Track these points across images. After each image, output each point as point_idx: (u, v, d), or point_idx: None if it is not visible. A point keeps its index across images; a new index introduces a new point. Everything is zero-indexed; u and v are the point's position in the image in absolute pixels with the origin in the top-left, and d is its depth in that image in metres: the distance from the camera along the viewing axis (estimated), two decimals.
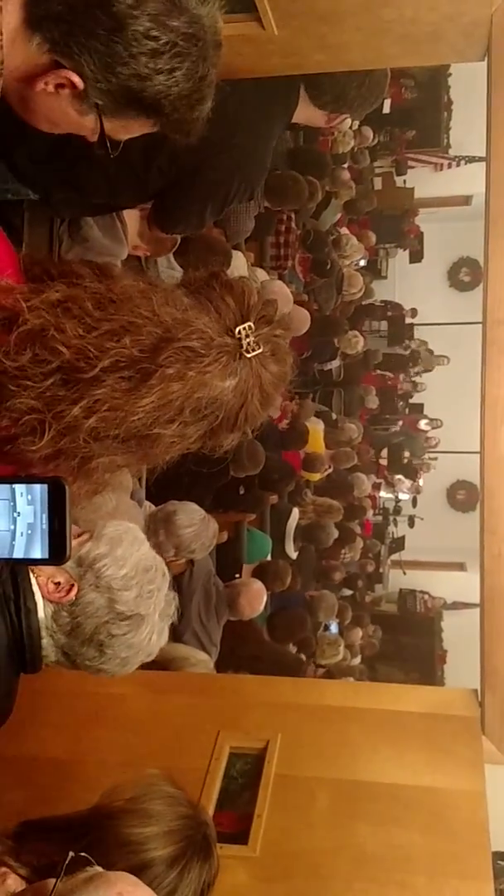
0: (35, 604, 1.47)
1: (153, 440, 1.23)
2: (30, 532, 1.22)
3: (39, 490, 1.22)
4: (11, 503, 1.22)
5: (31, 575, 1.47)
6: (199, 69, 1.21)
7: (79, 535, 1.53)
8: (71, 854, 1.30)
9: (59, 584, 1.48)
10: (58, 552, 1.22)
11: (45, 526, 1.22)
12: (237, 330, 1.22)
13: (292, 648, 5.27)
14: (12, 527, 1.22)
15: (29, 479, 1.22)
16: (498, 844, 2.20)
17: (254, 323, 1.24)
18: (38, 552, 1.22)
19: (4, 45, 1.14)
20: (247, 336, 1.22)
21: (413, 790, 2.19)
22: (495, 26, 2.16)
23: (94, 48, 1.15)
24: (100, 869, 1.12)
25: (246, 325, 1.23)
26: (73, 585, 1.49)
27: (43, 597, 1.48)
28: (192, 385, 1.20)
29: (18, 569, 1.44)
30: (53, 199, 2.39)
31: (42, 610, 1.48)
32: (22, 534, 1.22)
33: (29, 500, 1.22)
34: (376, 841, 2.08)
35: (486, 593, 2.45)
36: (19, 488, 1.21)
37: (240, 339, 1.22)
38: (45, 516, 1.22)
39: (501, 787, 2.30)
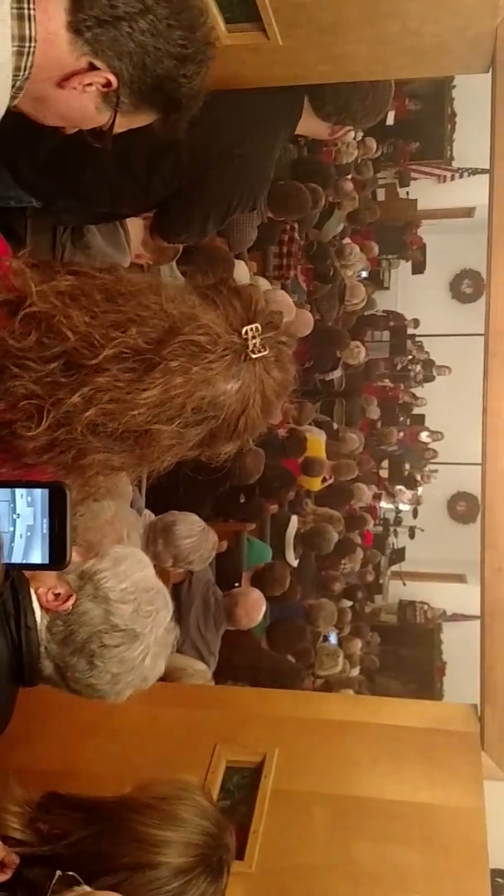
0: (35, 621, 1.46)
1: (151, 438, 1.21)
2: (29, 534, 1.22)
3: (40, 494, 1.21)
4: (11, 505, 1.21)
5: (32, 591, 1.46)
6: (207, 74, 1.35)
7: (85, 553, 1.53)
8: (59, 873, 1.30)
9: (58, 595, 1.47)
10: (58, 557, 1.22)
11: (46, 531, 1.21)
12: (244, 330, 1.22)
13: (291, 659, 5.25)
14: (11, 529, 1.21)
15: (30, 484, 1.22)
16: (496, 862, 2.18)
17: (261, 325, 1.23)
18: (37, 557, 1.22)
19: (38, 48, 1.20)
20: (253, 337, 1.22)
21: (411, 806, 2.17)
22: (500, 38, 2.15)
23: (133, 52, 1.25)
24: (87, 888, 1.12)
25: (253, 325, 1.22)
26: (71, 595, 1.48)
27: (41, 606, 1.47)
28: (196, 381, 1.19)
29: (19, 585, 1.44)
30: (56, 207, 2.39)
31: (40, 622, 1.48)
32: (21, 536, 1.22)
33: (29, 502, 1.21)
34: (374, 858, 2.06)
35: (486, 608, 2.43)
36: (20, 491, 1.21)
37: (246, 339, 1.22)
38: (45, 521, 1.21)
39: (501, 804, 2.28)
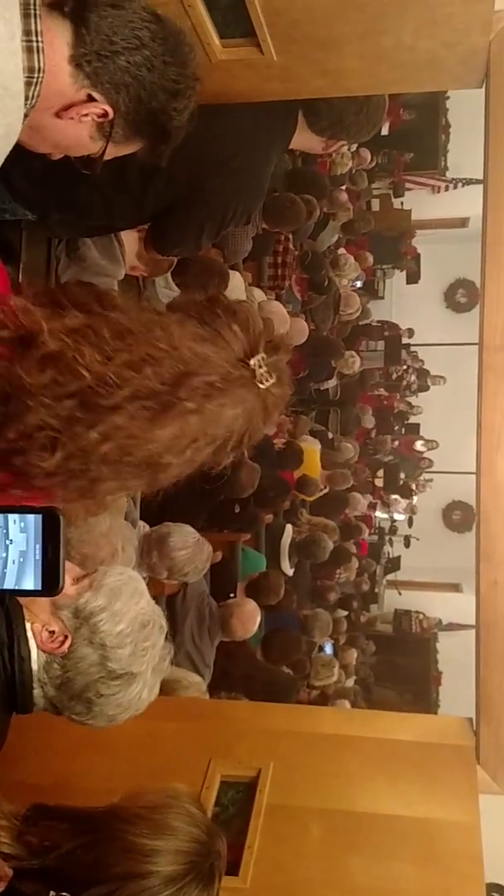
0: (29, 651, 1.45)
1: (164, 468, 1.24)
2: (22, 560, 1.20)
3: (33, 520, 1.20)
4: (4, 530, 1.20)
5: (27, 622, 1.45)
6: (193, 109, 1.44)
7: (80, 579, 1.52)
8: (53, 893, 1.29)
9: (53, 632, 1.46)
10: (50, 583, 1.20)
11: (39, 556, 1.20)
12: (252, 362, 1.25)
13: (286, 670, 5.23)
14: (4, 554, 1.20)
15: (23, 510, 1.21)
16: (491, 876, 2.18)
17: (265, 352, 1.26)
18: (30, 583, 1.21)
19: (45, 80, 1.26)
20: (260, 367, 1.25)
21: (407, 821, 2.16)
22: (493, 54, 2.17)
23: (130, 85, 1.33)
24: None
25: (259, 356, 1.25)
26: (66, 637, 1.47)
27: (37, 645, 1.46)
28: (209, 417, 1.23)
29: (14, 614, 1.43)
30: (51, 220, 2.39)
31: (35, 660, 1.46)
32: (14, 562, 1.20)
33: (22, 528, 1.20)
34: (369, 873, 2.05)
35: (481, 620, 2.43)
36: (13, 517, 1.20)
37: (253, 370, 1.25)
38: (38, 547, 1.20)
39: (496, 818, 2.27)
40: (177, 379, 1.20)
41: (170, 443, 1.21)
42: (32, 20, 1.22)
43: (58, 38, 1.28)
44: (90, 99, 1.32)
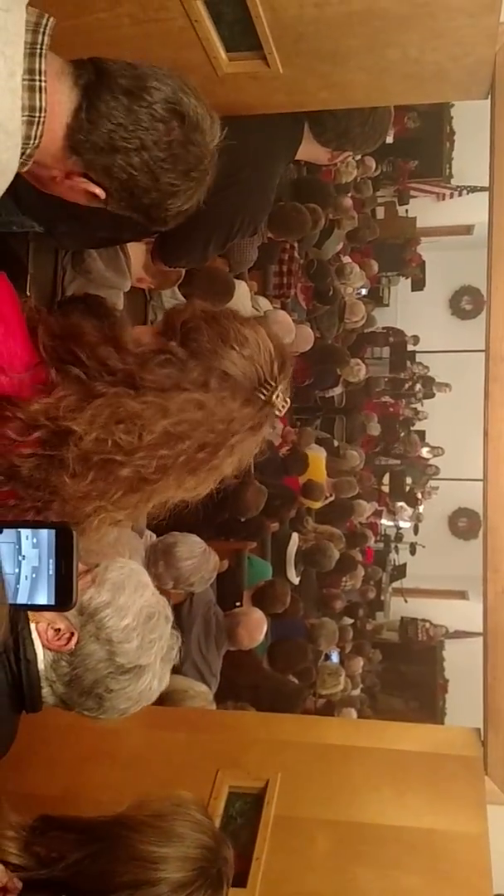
0: (35, 654, 1.45)
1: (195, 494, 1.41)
2: (34, 576, 1.21)
3: (46, 535, 1.21)
4: (17, 546, 1.21)
5: (31, 623, 1.45)
6: (202, 195, 1.39)
7: (83, 574, 1.51)
8: None
9: (58, 630, 1.46)
10: (64, 598, 1.21)
11: (52, 571, 1.21)
12: (273, 397, 1.37)
13: (293, 680, 5.22)
14: (17, 570, 1.21)
15: (36, 525, 1.22)
16: (500, 887, 2.17)
17: (280, 383, 1.39)
18: (43, 598, 1.21)
19: (43, 140, 1.24)
20: (277, 397, 1.38)
21: (414, 832, 2.15)
22: (499, 66, 2.18)
23: (123, 180, 1.29)
24: None
25: (279, 390, 1.37)
26: (72, 634, 1.47)
27: (42, 644, 1.46)
28: (241, 454, 1.39)
29: (17, 618, 1.43)
30: (57, 232, 2.40)
31: (42, 660, 1.47)
32: (27, 577, 1.21)
33: (34, 544, 1.21)
34: (377, 885, 2.05)
35: (489, 631, 2.42)
36: (25, 532, 1.21)
37: (275, 404, 1.38)
38: (51, 562, 1.21)
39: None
40: (215, 445, 1.34)
41: (205, 482, 1.38)
42: (37, 59, 1.20)
43: (59, 105, 1.24)
44: (84, 175, 1.30)
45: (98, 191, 1.30)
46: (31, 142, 1.23)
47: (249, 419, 1.34)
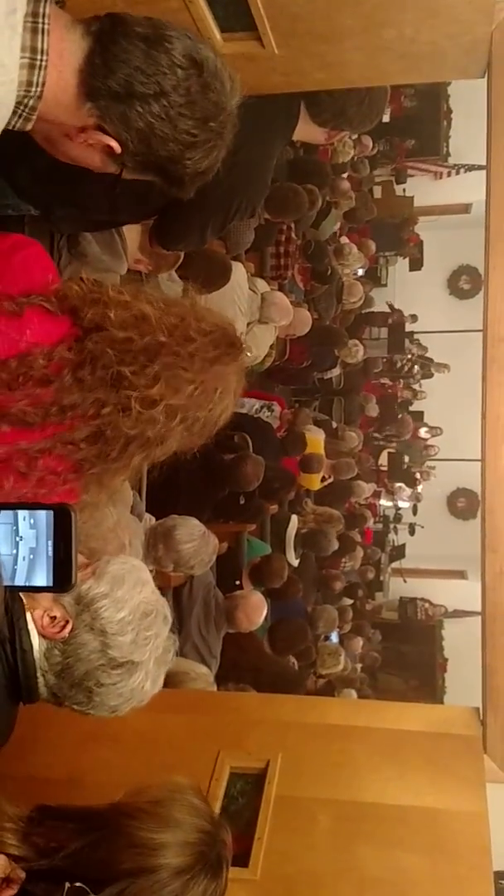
0: (31, 644, 1.45)
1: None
2: (32, 557, 1.20)
3: (44, 516, 1.20)
4: (14, 527, 1.20)
5: (27, 612, 1.45)
6: (220, 154, 1.35)
7: (83, 567, 1.51)
8: (68, 885, 1.31)
9: (54, 618, 1.46)
10: (63, 580, 1.20)
11: (51, 553, 1.20)
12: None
13: (293, 662, 5.25)
14: (14, 551, 1.20)
15: (33, 506, 1.21)
16: (500, 864, 2.19)
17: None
18: (41, 579, 1.21)
19: (49, 91, 1.21)
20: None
21: (415, 811, 2.17)
22: (495, 44, 2.16)
23: (140, 129, 1.25)
24: None
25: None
26: (67, 622, 1.46)
27: (37, 631, 1.46)
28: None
29: (14, 607, 1.43)
30: (54, 216, 2.39)
31: (37, 648, 1.47)
32: (24, 558, 1.20)
33: (31, 525, 1.20)
34: (378, 864, 2.07)
35: (487, 611, 2.44)
36: (22, 513, 1.20)
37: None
38: (49, 543, 1.20)
39: (503, 807, 2.29)
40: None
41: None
42: (42, 3, 1.17)
43: (71, 46, 1.22)
44: (99, 128, 1.27)
45: (113, 143, 1.27)
46: (33, 89, 1.20)
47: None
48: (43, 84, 1.20)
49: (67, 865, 1.41)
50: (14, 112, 1.23)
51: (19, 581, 1.18)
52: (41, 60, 1.18)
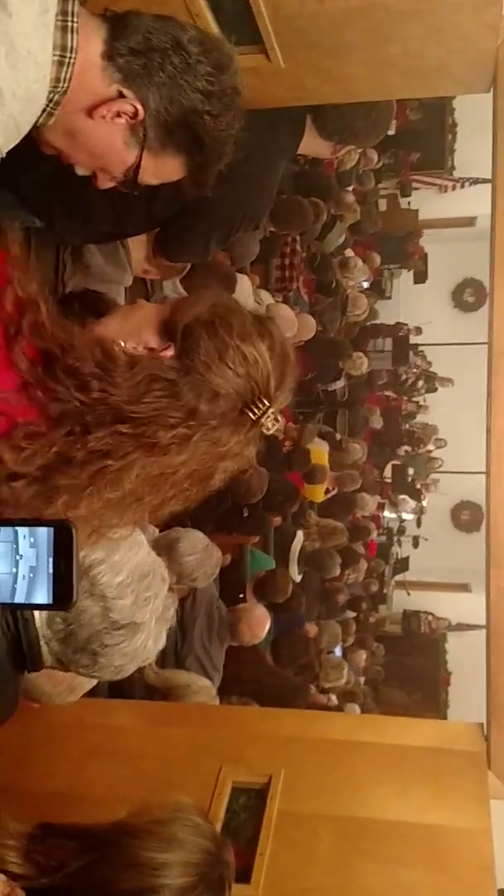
0: (31, 613, 1.45)
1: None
2: (32, 576, 1.19)
3: (45, 533, 1.19)
4: (14, 545, 1.19)
5: None
6: (235, 123, 1.40)
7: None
8: None
9: None
10: (63, 597, 1.19)
11: (51, 570, 1.19)
12: (262, 417, 1.33)
13: (295, 678, 5.22)
14: (14, 570, 1.19)
15: (33, 522, 1.21)
16: (503, 882, 2.17)
17: (275, 402, 1.34)
18: (41, 597, 1.20)
19: (75, 76, 1.25)
20: (268, 418, 1.34)
21: (418, 828, 2.15)
22: (501, 59, 2.17)
23: (162, 82, 1.31)
24: None
25: (270, 411, 1.33)
26: None
27: None
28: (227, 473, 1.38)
29: None
30: (59, 227, 2.39)
31: (38, 617, 1.47)
32: (24, 577, 1.19)
33: (32, 543, 1.19)
34: (380, 880, 2.05)
35: (492, 626, 2.42)
36: (22, 531, 1.19)
37: (262, 423, 1.34)
38: (50, 560, 1.19)
39: None
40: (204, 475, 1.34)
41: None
42: (70, 2, 1.22)
43: (92, 33, 1.27)
44: (121, 96, 1.30)
45: (136, 104, 1.31)
46: (60, 85, 1.25)
47: (237, 445, 1.31)
48: (70, 80, 1.25)
49: (68, 885, 1.40)
50: (42, 109, 1.27)
51: (19, 599, 1.17)
52: (70, 58, 1.23)
